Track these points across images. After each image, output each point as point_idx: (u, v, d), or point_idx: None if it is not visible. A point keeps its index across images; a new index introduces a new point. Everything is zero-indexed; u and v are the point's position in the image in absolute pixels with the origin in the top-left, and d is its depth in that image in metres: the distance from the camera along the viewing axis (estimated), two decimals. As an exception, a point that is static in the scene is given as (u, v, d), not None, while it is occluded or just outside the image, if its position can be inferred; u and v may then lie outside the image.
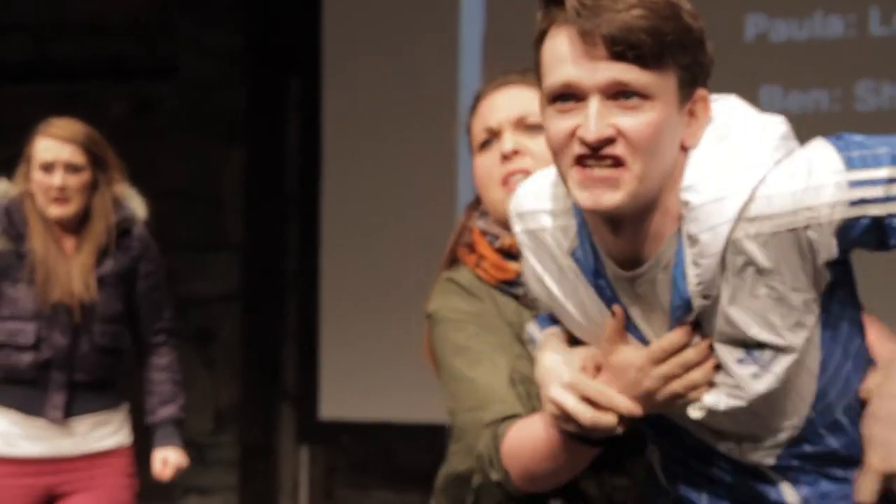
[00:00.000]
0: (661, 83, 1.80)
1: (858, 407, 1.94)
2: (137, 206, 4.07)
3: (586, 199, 1.82)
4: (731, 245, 1.82)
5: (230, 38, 6.38)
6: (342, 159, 6.22)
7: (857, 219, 1.83)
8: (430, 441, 4.38)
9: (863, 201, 1.82)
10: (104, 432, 4.03)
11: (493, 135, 2.32)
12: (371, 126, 6.16)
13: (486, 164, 2.32)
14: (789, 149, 1.88)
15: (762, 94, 5.61)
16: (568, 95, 1.81)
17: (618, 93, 1.80)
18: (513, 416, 2.18)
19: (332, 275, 6.21)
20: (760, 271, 1.83)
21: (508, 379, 2.23)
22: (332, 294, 6.21)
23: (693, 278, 1.83)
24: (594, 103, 1.79)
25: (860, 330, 1.96)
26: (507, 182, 2.27)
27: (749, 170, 1.83)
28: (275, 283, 6.47)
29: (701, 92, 1.87)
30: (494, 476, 2.14)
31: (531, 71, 1.96)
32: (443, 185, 5.97)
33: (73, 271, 3.93)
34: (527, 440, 2.11)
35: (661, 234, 1.86)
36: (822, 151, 1.87)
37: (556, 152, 1.85)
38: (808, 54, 5.60)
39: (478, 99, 2.39)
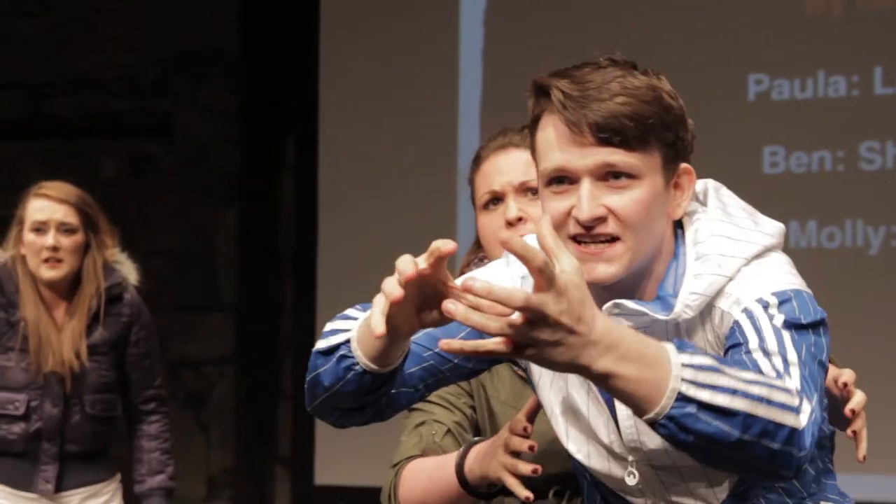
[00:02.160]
0: (647, 162, 1.93)
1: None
2: (129, 271, 4.03)
3: (584, 272, 1.86)
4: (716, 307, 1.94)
5: (225, 97, 6.36)
6: (338, 219, 6.18)
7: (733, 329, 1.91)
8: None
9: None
10: None
11: (497, 197, 2.48)
12: (367, 185, 6.12)
13: (491, 226, 2.49)
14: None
15: (765, 154, 5.57)
16: (561, 178, 1.94)
17: (607, 174, 1.93)
18: (414, 456, 2.42)
19: (328, 336, 6.14)
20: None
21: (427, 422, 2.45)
22: (327, 356, 6.14)
23: (692, 285, 1.93)
24: (585, 186, 1.92)
25: None
26: None
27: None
28: (269, 345, 6.42)
29: (685, 166, 1.99)
30: None
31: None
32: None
33: (64, 340, 3.88)
34: (420, 475, 2.36)
35: (649, 295, 1.99)
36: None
37: (555, 229, 1.92)
38: (811, 114, 5.57)
39: (480, 157, 2.54)
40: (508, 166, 2.47)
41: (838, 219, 5.48)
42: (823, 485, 2.11)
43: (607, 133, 1.90)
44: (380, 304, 1.77)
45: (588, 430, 2.05)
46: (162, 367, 4.20)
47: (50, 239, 3.88)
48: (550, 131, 1.95)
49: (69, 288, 3.95)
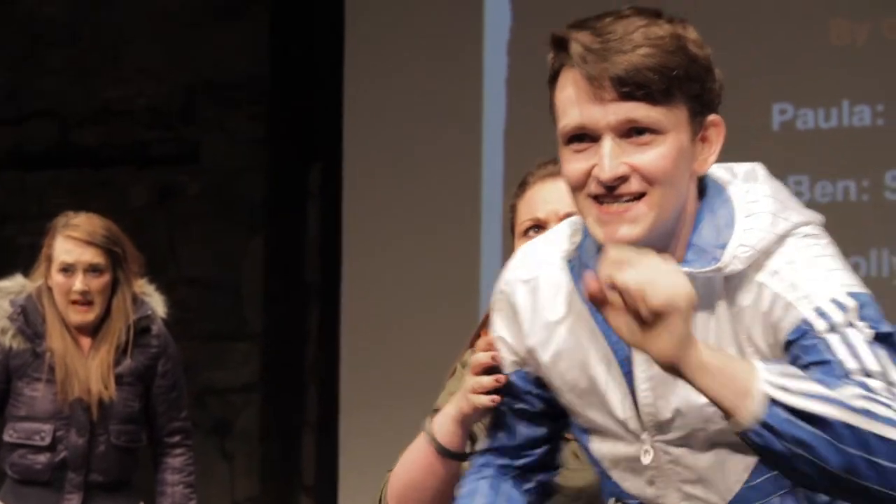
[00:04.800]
0: (672, 116, 1.84)
1: None
2: (157, 303, 4.04)
3: (605, 233, 1.85)
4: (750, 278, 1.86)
5: (252, 125, 6.39)
6: (363, 247, 6.18)
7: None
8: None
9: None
10: (118, 534, 3.99)
11: (539, 224, 2.41)
12: (392, 214, 6.13)
13: None
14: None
15: (789, 183, 5.56)
16: (582, 136, 1.85)
17: (630, 130, 1.83)
18: None
19: (352, 364, 6.15)
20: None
21: None
22: (352, 384, 6.14)
23: (743, 237, 1.84)
24: (607, 143, 1.83)
25: None
26: None
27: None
28: (294, 374, 6.42)
29: (713, 117, 1.90)
30: None
31: None
32: (465, 272, 5.91)
33: (91, 370, 3.89)
34: (400, 467, 2.32)
35: (677, 258, 1.88)
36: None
37: (574, 191, 1.89)
38: (835, 144, 5.55)
39: (526, 182, 2.48)
40: (555, 195, 2.39)
41: (863, 249, 5.47)
42: None
43: (630, 87, 1.81)
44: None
45: (605, 407, 1.98)
46: (187, 395, 4.20)
47: (79, 284, 3.89)
48: (570, 86, 1.86)
49: (97, 321, 3.96)
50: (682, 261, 1.86)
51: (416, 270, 6.03)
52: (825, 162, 5.55)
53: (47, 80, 6.64)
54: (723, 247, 1.86)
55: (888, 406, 1.70)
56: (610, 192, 1.83)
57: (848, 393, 1.70)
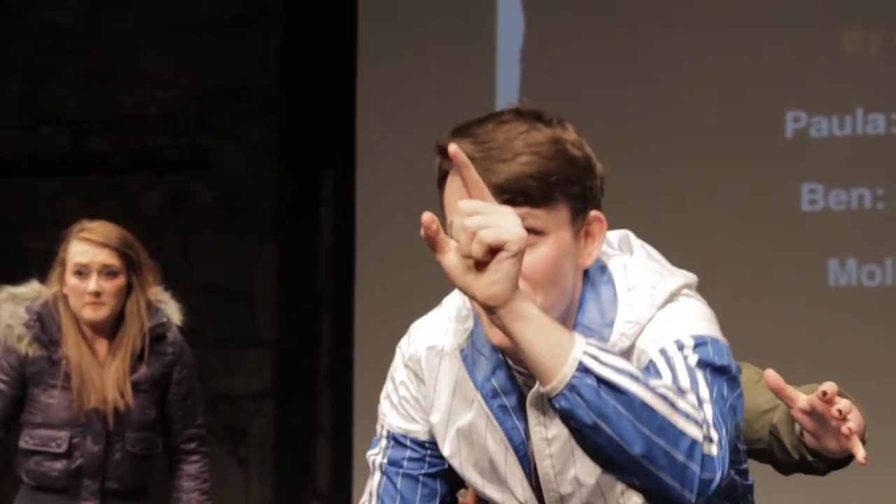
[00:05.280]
0: (553, 218, 1.91)
1: None
2: (173, 311, 4.04)
3: (494, 336, 1.90)
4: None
5: (264, 133, 6.39)
6: (376, 253, 6.18)
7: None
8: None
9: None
10: (133, 540, 4.00)
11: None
12: (405, 220, 6.12)
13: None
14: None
15: (804, 191, 5.55)
16: None
17: None
18: None
19: (366, 371, 6.14)
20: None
21: None
22: (366, 391, 6.13)
23: (627, 314, 1.93)
24: None
25: None
26: None
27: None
28: (308, 380, 6.42)
29: (595, 213, 1.96)
30: None
31: None
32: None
33: (107, 377, 3.90)
34: None
35: None
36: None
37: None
38: (849, 151, 5.55)
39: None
40: None
41: (878, 257, 5.45)
42: None
43: (511, 194, 1.88)
44: None
45: (506, 488, 2.05)
46: (201, 404, 4.21)
47: (92, 284, 3.89)
48: (455, 192, 1.92)
49: (112, 327, 3.96)
50: None
51: (430, 277, 6.00)
52: (839, 170, 5.54)
53: (60, 88, 6.66)
54: (609, 325, 1.94)
55: (692, 406, 1.75)
56: None
57: (657, 381, 1.76)
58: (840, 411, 2.26)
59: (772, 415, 2.55)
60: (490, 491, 2.07)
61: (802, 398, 2.29)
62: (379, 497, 2.12)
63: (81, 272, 3.91)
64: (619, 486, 1.96)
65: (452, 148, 1.82)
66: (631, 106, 5.73)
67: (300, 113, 6.48)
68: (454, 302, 2.11)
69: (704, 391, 1.81)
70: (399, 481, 2.10)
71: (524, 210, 1.88)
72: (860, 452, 2.26)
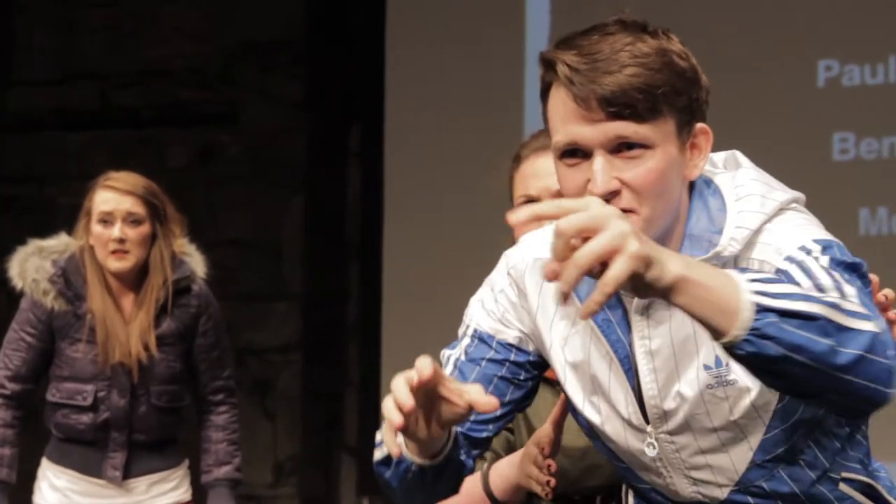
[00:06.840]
0: (660, 131, 1.89)
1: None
2: (197, 262, 4.04)
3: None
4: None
5: (292, 86, 6.37)
6: (404, 206, 6.17)
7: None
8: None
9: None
10: (162, 489, 4.01)
11: (532, 202, 2.46)
12: (432, 173, 6.11)
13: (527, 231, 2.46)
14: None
15: (835, 140, 5.51)
16: (574, 151, 1.91)
17: (620, 146, 1.89)
18: None
19: (394, 323, 6.14)
20: None
21: None
22: (393, 343, 6.14)
23: (737, 219, 1.91)
24: (598, 160, 1.88)
25: None
26: None
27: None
28: (335, 333, 6.42)
29: (700, 126, 1.95)
30: None
31: None
32: (507, 230, 5.88)
33: (132, 331, 3.90)
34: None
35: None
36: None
37: None
38: (882, 100, 5.49)
39: (520, 156, 2.55)
40: (547, 170, 2.36)
41: (910, 204, 5.42)
42: (848, 455, 2.04)
43: (617, 107, 1.86)
44: (387, 428, 1.78)
45: (608, 403, 2.01)
46: (230, 356, 4.21)
47: (116, 231, 3.88)
48: (560, 104, 1.90)
49: (137, 279, 3.96)
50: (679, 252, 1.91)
51: (457, 228, 6.00)
52: (871, 118, 5.50)
53: (88, 42, 6.65)
54: (719, 232, 1.92)
55: (850, 302, 1.72)
56: None
57: (814, 293, 1.73)
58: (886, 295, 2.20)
59: None
60: (588, 411, 2.03)
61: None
62: None
63: (106, 220, 3.91)
64: (726, 404, 1.92)
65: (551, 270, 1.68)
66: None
67: (328, 66, 6.46)
68: None
69: (848, 288, 1.77)
70: (473, 376, 2.04)
71: (630, 124, 1.86)
72: None
